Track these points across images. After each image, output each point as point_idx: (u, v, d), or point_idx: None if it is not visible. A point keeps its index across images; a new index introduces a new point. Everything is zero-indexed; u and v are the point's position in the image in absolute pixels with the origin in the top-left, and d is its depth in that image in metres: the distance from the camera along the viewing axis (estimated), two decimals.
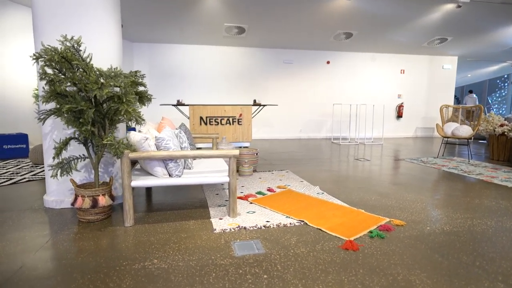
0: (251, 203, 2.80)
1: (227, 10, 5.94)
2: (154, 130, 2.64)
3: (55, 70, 2.08)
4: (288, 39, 7.56)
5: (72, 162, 2.34)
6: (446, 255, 1.81)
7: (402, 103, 9.16)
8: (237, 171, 4.08)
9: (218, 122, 6.39)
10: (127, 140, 2.31)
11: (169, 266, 1.68)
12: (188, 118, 6.36)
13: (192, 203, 2.81)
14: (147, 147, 2.26)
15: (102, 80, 2.11)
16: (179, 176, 2.38)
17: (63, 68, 2.08)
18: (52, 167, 2.28)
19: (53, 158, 2.15)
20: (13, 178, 3.63)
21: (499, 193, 3.17)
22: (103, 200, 2.32)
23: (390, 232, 2.15)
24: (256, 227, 2.23)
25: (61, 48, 2.03)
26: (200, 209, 2.64)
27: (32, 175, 3.80)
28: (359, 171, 4.25)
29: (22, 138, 5.01)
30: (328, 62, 8.57)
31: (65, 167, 2.30)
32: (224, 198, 2.92)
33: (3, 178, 3.63)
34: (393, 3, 5.88)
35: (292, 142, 7.69)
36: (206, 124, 6.35)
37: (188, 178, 2.34)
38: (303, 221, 2.34)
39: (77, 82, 2.11)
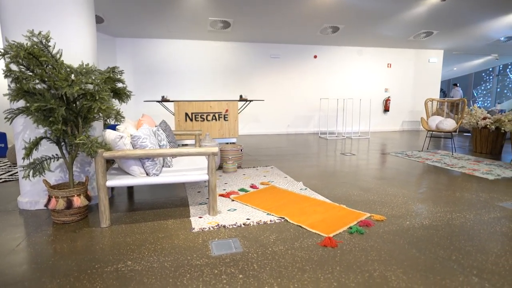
0: (232, 200, 2.76)
1: (211, 3, 5.84)
2: (132, 128, 2.57)
3: (22, 67, 1.99)
4: (274, 33, 7.50)
5: (45, 162, 2.25)
6: (423, 250, 1.81)
7: (389, 97, 9.22)
8: (221, 167, 4.04)
9: (204, 118, 6.31)
10: (102, 138, 2.24)
11: (143, 268, 1.64)
12: (174, 115, 6.26)
13: (172, 201, 2.76)
14: (122, 146, 2.20)
15: (72, 77, 2.03)
16: (157, 175, 2.32)
17: (31, 65, 1.99)
18: (23, 167, 2.20)
19: (23, 158, 2.06)
20: None
21: (479, 186, 3.21)
22: (78, 201, 2.25)
23: (369, 228, 2.14)
24: (235, 225, 2.20)
25: (27, 44, 1.94)
26: (181, 207, 2.60)
27: (9, 176, 3.68)
28: (344, 165, 4.25)
29: (0, 137, 4.85)
30: (315, 57, 8.55)
31: (37, 167, 2.21)
32: (205, 196, 2.88)
33: None
34: None
35: (280, 138, 7.67)
36: (191, 120, 6.26)
37: (166, 177, 2.28)
38: (283, 218, 2.32)
39: (46, 80, 2.02)
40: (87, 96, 2.14)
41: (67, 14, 2.42)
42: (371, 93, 9.16)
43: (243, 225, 2.20)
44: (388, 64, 9.11)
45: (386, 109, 9.23)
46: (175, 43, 7.72)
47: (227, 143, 6.31)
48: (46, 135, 2.17)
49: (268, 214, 2.42)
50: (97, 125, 2.73)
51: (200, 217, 2.36)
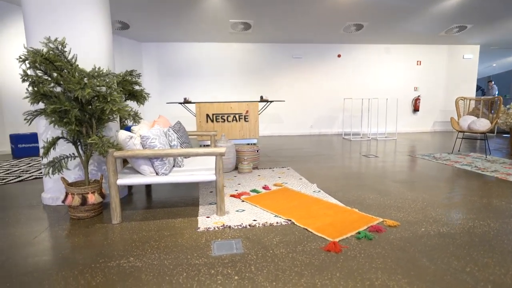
0: (242, 201, 2.75)
1: (231, 6, 5.89)
2: (146, 129, 2.64)
3: (40, 71, 2.12)
4: (296, 33, 7.41)
5: (63, 160, 2.38)
6: (435, 260, 1.69)
7: (418, 96, 8.77)
8: (236, 168, 4.05)
9: (224, 119, 6.37)
10: (115, 139, 2.33)
11: (143, 264, 1.68)
12: (195, 116, 6.38)
13: (185, 200, 2.81)
14: (132, 146, 2.27)
15: (85, 80, 2.12)
16: (166, 174, 2.37)
17: (48, 69, 2.11)
18: (44, 166, 2.34)
19: (41, 157, 2.20)
20: (21, 176, 3.78)
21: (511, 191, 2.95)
22: (93, 198, 2.35)
23: (380, 233, 2.04)
24: (241, 226, 2.19)
25: (43, 50, 2.06)
26: (191, 207, 2.63)
27: (40, 173, 3.95)
28: (364, 168, 4.10)
29: (35, 137, 5.21)
30: (339, 56, 8.33)
31: (56, 165, 2.35)
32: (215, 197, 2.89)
33: (13, 176, 3.79)
34: None
35: (302, 139, 7.56)
36: (212, 121, 6.35)
37: (174, 177, 2.32)
38: (290, 220, 2.28)
39: (61, 83, 2.13)
40: (100, 98, 2.23)
41: (85, 23, 2.54)
42: (399, 92, 8.76)
43: (248, 226, 2.19)
44: (417, 61, 8.67)
45: (416, 109, 8.78)
46: (197, 46, 7.88)
47: (245, 144, 6.33)
48: (62, 135, 2.29)
49: (275, 216, 2.38)
50: (114, 126, 2.84)
51: (208, 217, 2.37)
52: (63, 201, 2.33)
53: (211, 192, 3.05)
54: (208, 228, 2.16)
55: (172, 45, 7.79)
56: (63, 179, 2.35)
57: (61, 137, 2.27)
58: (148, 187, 3.27)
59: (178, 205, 2.69)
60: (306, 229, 2.13)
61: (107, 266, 1.66)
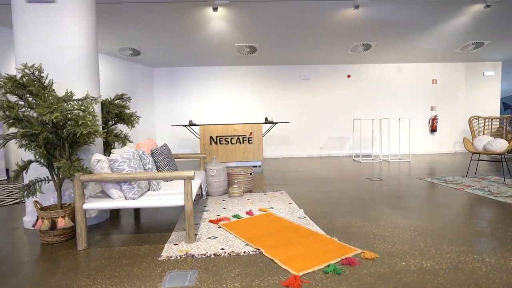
0: (219, 227, 2.63)
1: (235, 30, 6.01)
2: (125, 152, 2.63)
3: (16, 96, 2.19)
4: (302, 55, 7.41)
5: (37, 184, 2.40)
6: None
7: (436, 115, 8.35)
8: (227, 192, 3.94)
9: (228, 141, 6.35)
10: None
11: None
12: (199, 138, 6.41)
13: (162, 225, 2.72)
14: (100, 169, 2.25)
15: (55, 105, 2.16)
16: (134, 199, 2.31)
17: (22, 94, 2.17)
18: (20, 189, 2.37)
19: (12, 180, 2.22)
20: (11, 199, 3.88)
21: None
22: (62, 222, 2.32)
23: (352, 267, 1.83)
24: (205, 255, 2.06)
25: (17, 75, 2.13)
26: (165, 232, 2.54)
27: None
28: (363, 192, 3.84)
29: None
30: (348, 76, 8.20)
31: (30, 189, 2.37)
32: (194, 222, 2.79)
33: (11, 198, 3.90)
34: (410, 10, 5.47)
35: (310, 161, 7.35)
36: (216, 143, 6.34)
37: (141, 201, 2.26)
38: (259, 249, 2.12)
39: (34, 107, 2.19)
40: (72, 122, 2.26)
41: (70, 53, 2.64)
42: (414, 112, 8.40)
43: (213, 256, 2.05)
44: (433, 80, 8.33)
45: (433, 129, 8.34)
46: (205, 70, 8.06)
47: (239, 167, 6.23)
48: (36, 159, 2.32)
49: (246, 244, 2.24)
50: (95, 149, 2.86)
51: (176, 244, 2.27)
52: (33, 225, 2.32)
53: None
54: (170, 257, 2.05)
55: (182, 69, 8.03)
56: (36, 203, 2.36)
57: (33, 161, 2.30)
58: (136, 209, 3.23)
59: (153, 230, 2.61)
60: (272, 259, 1.96)
61: None
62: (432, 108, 8.41)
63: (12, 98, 2.54)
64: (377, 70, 8.27)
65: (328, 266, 1.84)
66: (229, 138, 6.35)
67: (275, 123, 6.51)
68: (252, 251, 2.11)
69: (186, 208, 2.25)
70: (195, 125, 6.45)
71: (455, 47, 7.31)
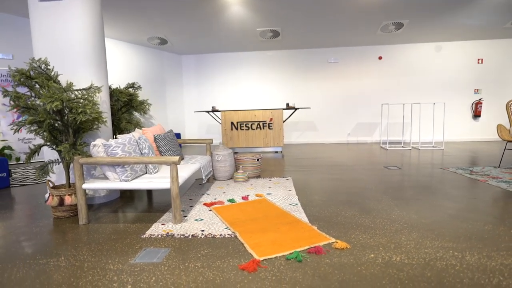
0: (210, 210, 2.74)
1: (256, 14, 5.94)
2: (126, 137, 2.83)
3: (25, 87, 2.46)
4: (329, 37, 7.10)
5: (49, 165, 2.71)
6: None
7: (480, 99, 7.53)
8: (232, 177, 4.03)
9: (248, 127, 6.42)
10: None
11: (66, 265, 1.80)
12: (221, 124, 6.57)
13: (160, 206, 2.92)
14: (96, 153, 2.46)
15: (56, 95, 2.39)
16: (126, 181, 2.50)
17: (30, 85, 2.44)
18: (36, 169, 2.69)
19: (26, 161, 2.53)
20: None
21: None
22: (69, 200, 2.61)
23: (317, 256, 1.83)
24: (184, 235, 2.19)
25: (26, 68, 2.39)
26: (158, 213, 2.72)
27: None
28: (372, 181, 3.69)
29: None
30: (380, 58, 7.69)
31: (44, 169, 2.68)
32: (189, 204, 2.94)
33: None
34: None
35: (336, 147, 7.15)
36: (237, 129, 6.45)
37: (132, 183, 2.45)
38: (235, 233, 2.19)
39: (39, 97, 2.45)
40: (72, 110, 2.49)
41: (78, 46, 2.87)
42: (454, 95, 7.66)
43: (190, 237, 2.17)
44: (478, 59, 7.48)
45: (477, 114, 7.55)
46: (231, 56, 8.12)
47: (247, 153, 6.28)
48: (46, 143, 2.61)
49: (226, 227, 2.32)
50: (103, 134, 3.11)
51: (163, 224, 2.43)
52: (46, 201, 2.64)
53: (190, 199, 3.11)
54: (152, 235, 2.21)
55: (208, 56, 8.19)
56: (48, 182, 2.67)
57: (43, 145, 2.59)
58: (149, 190, 3.48)
59: (152, 210, 2.81)
60: (242, 243, 2.03)
61: (37, 263, 1.84)
62: (476, 91, 7.59)
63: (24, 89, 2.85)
64: (412, 50, 7.63)
65: (292, 253, 1.86)
66: (250, 124, 6.41)
67: (296, 108, 6.42)
68: (228, 234, 2.19)
69: (172, 191, 2.39)
70: (217, 111, 6.60)
71: (505, 21, 6.45)
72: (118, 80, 6.98)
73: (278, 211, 2.64)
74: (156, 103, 7.80)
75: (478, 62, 7.48)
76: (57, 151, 2.59)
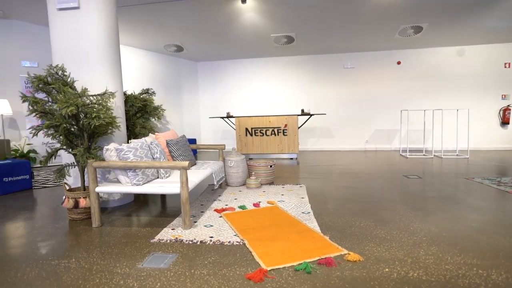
0: (220, 216, 2.71)
1: (269, 20, 5.94)
2: (140, 141, 2.87)
3: (44, 92, 2.54)
4: (345, 42, 6.99)
5: (65, 168, 2.77)
6: None
7: (508, 105, 7.15)
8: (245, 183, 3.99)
9: (263, 133, 6.38)
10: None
11: (76, 266, 1.81)
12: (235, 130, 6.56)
13: (172, 211, 2.92)
14: (108, 157, 2.50)
15: (71, 100, 2.45)
16: (138, 185, 2.52)
17: (47, 91, 2.52)
18: (54, 172, 2.76)
19: (43, 164, 2.60)
20: None
21: None
22: (84, 202, 2.65)
23: (327, 268, 1.75)
24: (192, 241, 2.16)
25: (44, 75, 2.47)
26: (169, 217, 2.72)
27: None
28: (390, 190, 3.55)
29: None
30: (398, 63, 7.48)
31: (61, 172, 2.75)
32: (200, 210, 2.92)
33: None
34: None
35: (352, 154, 6.97)
36: (251, 135, 6.43)
37: (143, 187, 2.45)
38: (243, 241, 2.14)
39: (56, 102, 2.52)
40: (87, 115, 2.54)
41: (94, 54, 2.95)
42: (479, 101, 7.31)
43: (199, 243, 2.15)
44: (505, 63, 7.12)
45: (505, 122, 7.16)
46: (245, 62, 8.15)
47: (260, 159, 6.21)
48: (62, 147, 2.68)
49: (235, 235, 2.28)
50: (118, 139, 3.16)
51: (173, 229, 2.42)
52: (62, 203, 2.69)
53: (201, 205, 3.09)
54: (162, 240, 2.20)
55: (223, 63, 8.26)
56: (65, 184, 2.73)
57: (59, 148, 2.66)
58: (163, 194, 3.50)
59: (164, 215, 2.81)
60: (251, 252, 1.97)
61: (49, 264, 1.86)
62: (504, 97, 7.22)
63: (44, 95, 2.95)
64: (433, 55, 7.38)
65: (302, 264, 1.79)
66: (264, 130, 6.38)
67: (312, 114, 6.33)
68: (237, 241, 2.14)
69: (181, 196, 2.38)
70: (232, 117, 6.61)
71: None
72: (136, 87, 7.15)
73: (289, 219, 2.57)
74: (172, 109, 7.92)
75: (505, 66, 7.13)
76: (73, 154, 2.64)
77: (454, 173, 4.48)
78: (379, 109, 7.70)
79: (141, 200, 3.34)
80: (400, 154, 6.75)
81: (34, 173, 5.11)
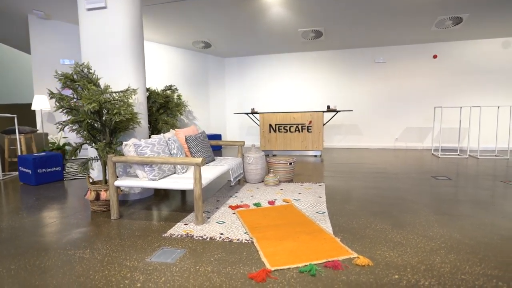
0: (233, 213, 2.72)
1: (297, 15, 5.83)
2: (159, 136, 2.95)
3: (70, 89, 2.69)
4: (376, 36, 6.68)
5: (89, 162, 2.93)
6: None
7: None
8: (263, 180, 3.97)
9: (287, 130, 6.32)
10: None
11: (90, 257, 1.91)
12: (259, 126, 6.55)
13: (188, 206, 2.98)
14: (127, 152, 2.60)
15: (94, 97, 2.57)
16: (154, 180, 2.59)
17: (74, 87, 2.66)
18: (78, 166, 2.93)
19: (68, 157, 2.77)
20: None
21: None
22: (104, 195, 2.79)
23: (334, 271, 1.69)
24: (202, 237, 2.20)
25: (70, 72, 2.62)
26: (185, 213, 2.78)
27: None
28: (414, 191, 3.36)
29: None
30: (435, 56, 7.02)
31: (85, 165, 2.91)
32: (215, 206, 2.95)
33: None
34: None
35: (380, 153, 6.70)
36: (275, 131, 6.39)
37: (159, 183, 2.53)
38: (252, 239, 2.13)
39: (80, 98, 2.65)
40: (109, 111, 2.66)
41: (119, 55, 3.07)
42: None
43: (208, 239, 2.17)
44: None
45: None
46: (272, 58, 8.07)
47: (280, 156, 6.13)
48: (86, 141, 2.82)
49: (245, 232, 2.28)
50: (140, 134, 3.27)
51: (186, 224, 2.47)
52: (85, 195, 2.85)
53: (217, 201, 3.13)
54: (173, 234, 2.26)
55: (250, 58, 8.25)
56: (88, 177, 2.88)
57: (83, 143, 2.81)
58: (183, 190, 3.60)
59: (179, 209, 2.88)
60: (258, 250, 1.96)
61: (66, 253, 1.98)
62: None
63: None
64: (473, 47, 6.83)
65: (307, 265, 1.75)
66: (288, 126, 6.31)
67: (338, 111, 6.15)
68: (246, 239, 2.14)
69: (194, 192, 2.42)
70: (256, 113, 6.61)
71: None
72: (165, 83, 7.37)
73: (302, 219, 2.53)
74: (199, 105, 8.08)
75: None
76: (95, 149, 2.78)
77: (490, 175, 4.14)
78: (411, 106, 7.31)
79: (161, 195, 3.45)
80: (432, 154, 6.37)
81: (67, 165, 5.46)
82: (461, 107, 5.93)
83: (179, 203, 3.07)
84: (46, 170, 4.03)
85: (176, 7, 5.50)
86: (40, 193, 3.61)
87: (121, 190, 2.97)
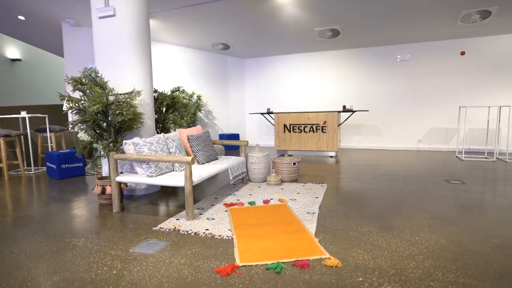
0: (226, 211, 2.81)
1: (312, 14, 5.79)
2: (161, 136, 3.13)
3: (79, 91, 2.94)
4: (397, 33, 6.42)
5: (98, 159, 3.17)
6: None
7: None
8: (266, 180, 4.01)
9: (301, 130, 6.29)
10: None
11: (82, 245, 2.10)
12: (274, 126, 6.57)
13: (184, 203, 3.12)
14: (127, 150, 2.78)
15: (98, 99, 2.79)
16: (150, 177, 2.76)
17: (82, 90, 2.90)
18: (89, 162, 3.19)
19: (77, 155, 3.02)
20: None
21: None
22: (109, 189, 3.01)
23: (300, 270, 1.72)
24: (188, 232, 2.31)
25: (80, 76, 2.86)
26: (180, 208, 2.92)
27: None
28: (419, 195, 3.23)
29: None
30: (462, 53, 6.59)
31: (95, 162, 3.15)
32: (211, 203, 3.06)
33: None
34: None
35: (400, 154, 6.44)
36: (290, 131, 6.39)
37: (154, 179, 2.68)
38: (233, 236, 2.21)
39: (87, 99, 2.89)
40: (113, 112, 2.87)
41: (128, 61, 3.29)
42: None
43: (193, 234, 2.28)
44: None
45: None
46: (290, 58, 8.04)
47: (284, 156, 6.06)
48: (92, 140, 3.06)
49: (229, 229, 2.36)
50: (146, 133, 3.47)
51: (177, 219, 2.60)
52: (92, 189, 3.09)
53: (216, 198, 3.24)
54: (162, 228, 2.40)
55: (269, 59, 8.29)
56: (96, 173, 3.12)
57: (91, 141, 3.05)
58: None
59: (180, 206, 3.02)
60: (234, 247, 2.03)
61: (63, 241, 2.19)
62: None
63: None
64: (503, 42, 6.32)
65: (275, 263, 1.79)
66: (302, 126, 6.28)
67: (354, 111, 6.01)
68: (227, 236, 2.22)
69: (185, 189, 2.54)
70: (271, 113, 6.65)
71: None
72: (186, 84, 7.65)
73: (290, 218, 2.55)
74: (219, 105, 8.28)
75: None
76: (100, 147, 3.01)
77: (510, 180, 3.85)
78: (435, 106, 6.93)
79: (167, 191, 3.63)
80: (456, 156, 6.00)
81: (87, 160, 5.88)
82: (489, 107, 5.53)
83: (182, 200, 3.22)
84: (69, 166, 4.39)
85: (193, 11, 5.71)
86: (62, 186, 3.96)
87: (126, 186, 3.18)
